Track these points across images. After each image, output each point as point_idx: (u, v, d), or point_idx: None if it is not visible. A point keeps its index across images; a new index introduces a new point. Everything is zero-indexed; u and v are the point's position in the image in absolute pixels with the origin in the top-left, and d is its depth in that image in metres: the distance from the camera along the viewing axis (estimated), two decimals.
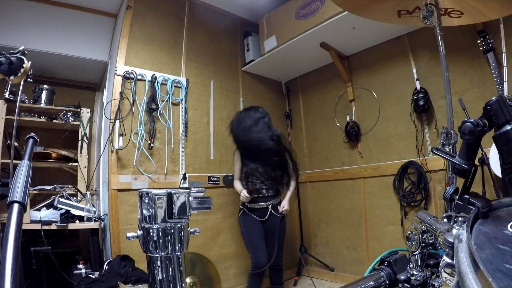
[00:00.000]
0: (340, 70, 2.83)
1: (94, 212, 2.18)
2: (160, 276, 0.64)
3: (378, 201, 2.60)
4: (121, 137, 2.21)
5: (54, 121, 2.48)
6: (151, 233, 0.63)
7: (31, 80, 1.95)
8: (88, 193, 2.32)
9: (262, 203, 2.20)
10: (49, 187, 2.41)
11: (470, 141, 0.58)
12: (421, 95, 2.28)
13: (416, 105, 2.30)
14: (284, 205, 2.21)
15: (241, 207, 2.27)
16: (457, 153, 0.62)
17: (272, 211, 2.20)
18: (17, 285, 0.39)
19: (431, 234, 0.72)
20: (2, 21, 2.28)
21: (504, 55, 1.89)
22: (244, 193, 2.15)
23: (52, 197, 2.26)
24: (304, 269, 3.07)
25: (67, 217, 2.08)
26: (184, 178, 2.45)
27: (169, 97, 2.47)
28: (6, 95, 2.18)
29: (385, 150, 2.60)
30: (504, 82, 1.84)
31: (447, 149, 1.28)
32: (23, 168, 0.58)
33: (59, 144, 2.63)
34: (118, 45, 2.35)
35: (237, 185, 2.29)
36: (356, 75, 2.87)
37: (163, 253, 0.64)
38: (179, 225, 0.66)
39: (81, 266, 2.07)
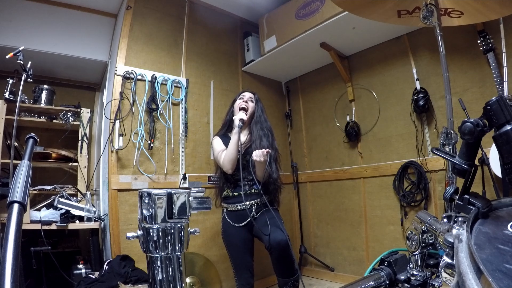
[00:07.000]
0: (340, 70, 2.83)
1: (94, 212, 2.17)
2: (160, 276, 0.64)
3: (378, 201, 2.60)
4: (121, 137, 2.20)
5: (54, 121, 2.47)
6: (151, 233, 0.64)
7: (31, 80, 1.98)
8: (88, 193, 2.32)
9: (244, 203, 1.79)
10: (49, 187, 2.41)
11: (470, 141, 0.58)
12: (421, 95, 2.28)
13: (416, 105, 2.30)
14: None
15: (223, 205, 1.95)
16: (457, 153, 0.62)
17: (256, 214, 1.80)
18: (17, 285, 0.39)
19: (431, 234, 0.72)
20: (2, 21, 2.28)
21: (504, 55, 1.89)
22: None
23: (52, 197, 2.26)
24: (304, 269, 3.08)
25: (67, 217, 2.08)
26: (184, 178, 2.45)
27: (169, 97, 2.47)
28: (6, 95, 2.20)
29: (385, 150, 2.60)
30: (504, 82, 1.83)
31: (447, 149, 1.29)
32: (23, 168, 0.58)
33: (59, 144, 2.63)
34: (118, 45, 2.35)
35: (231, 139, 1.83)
36: (356, 75, 2.87)
37: (163, 253, 0.64)
38: (179, 225, 0.66)
39: (81, 266, 2.07)
